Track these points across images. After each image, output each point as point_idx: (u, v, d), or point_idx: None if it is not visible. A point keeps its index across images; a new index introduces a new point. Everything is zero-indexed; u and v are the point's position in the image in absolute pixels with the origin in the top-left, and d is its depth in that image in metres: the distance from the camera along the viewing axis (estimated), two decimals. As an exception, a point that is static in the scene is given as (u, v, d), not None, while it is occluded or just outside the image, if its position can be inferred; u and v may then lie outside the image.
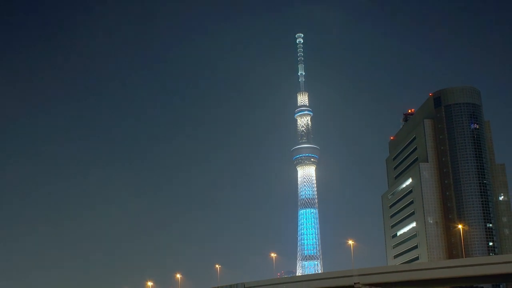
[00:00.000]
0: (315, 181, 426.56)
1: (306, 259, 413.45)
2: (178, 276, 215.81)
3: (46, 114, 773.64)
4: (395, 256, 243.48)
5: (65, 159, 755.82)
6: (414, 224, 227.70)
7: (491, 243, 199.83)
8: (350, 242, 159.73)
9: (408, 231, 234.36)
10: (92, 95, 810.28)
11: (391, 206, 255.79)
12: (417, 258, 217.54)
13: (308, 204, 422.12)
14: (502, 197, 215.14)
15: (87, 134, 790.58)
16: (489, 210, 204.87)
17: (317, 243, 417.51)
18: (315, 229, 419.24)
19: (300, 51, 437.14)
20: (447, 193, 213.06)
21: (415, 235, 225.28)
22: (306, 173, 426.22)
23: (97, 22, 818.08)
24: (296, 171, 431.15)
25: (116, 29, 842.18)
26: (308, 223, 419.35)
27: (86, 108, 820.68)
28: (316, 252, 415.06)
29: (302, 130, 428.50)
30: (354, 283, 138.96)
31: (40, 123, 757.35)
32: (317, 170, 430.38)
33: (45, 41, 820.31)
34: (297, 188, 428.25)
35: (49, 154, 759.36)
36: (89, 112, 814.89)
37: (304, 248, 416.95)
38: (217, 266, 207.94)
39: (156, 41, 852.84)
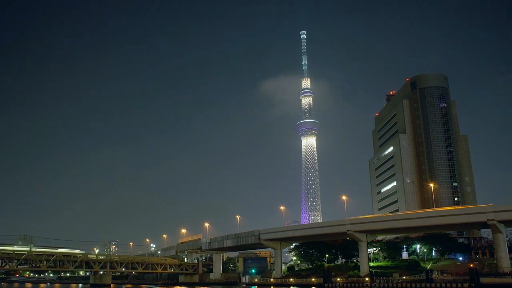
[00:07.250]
0: (315, 149, 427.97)
1: (309, 211, 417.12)
2: (206, 224, 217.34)
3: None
4: (380, 209, 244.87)
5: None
6: (394, 183, 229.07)
7: (456, 198, 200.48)
8: (344, 197, 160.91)
9: (390, 188, 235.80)
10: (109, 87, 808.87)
11: (376, 169, 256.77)
12: (397, 210, 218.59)
13: (310, 166, 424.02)
14: (465, 161, 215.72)
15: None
16: (454, 172, 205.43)
17: (317, 198, 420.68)
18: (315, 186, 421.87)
19: (304, 45, 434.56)
20: (421, 158, 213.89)
21: (395, 192, 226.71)
22: (309, 142, 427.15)
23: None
24: (301, 141, 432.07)
25: (118, 31, 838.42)
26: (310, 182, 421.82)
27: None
28: (317, 205, 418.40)
29: (305, 108, 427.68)
30: (347, 230, 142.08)
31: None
32: (317, 140, 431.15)
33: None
34: (301, 154, 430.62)
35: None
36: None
37: (307, 202, 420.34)
38: (237, 216, 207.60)
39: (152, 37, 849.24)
